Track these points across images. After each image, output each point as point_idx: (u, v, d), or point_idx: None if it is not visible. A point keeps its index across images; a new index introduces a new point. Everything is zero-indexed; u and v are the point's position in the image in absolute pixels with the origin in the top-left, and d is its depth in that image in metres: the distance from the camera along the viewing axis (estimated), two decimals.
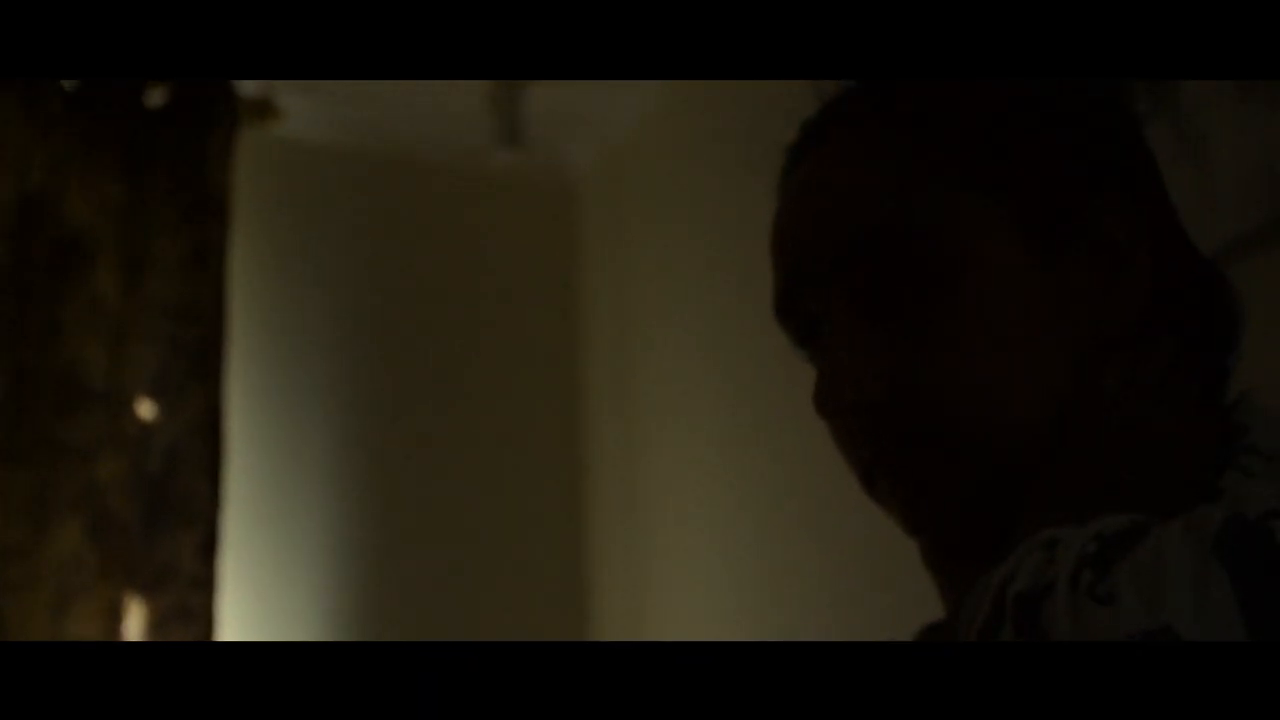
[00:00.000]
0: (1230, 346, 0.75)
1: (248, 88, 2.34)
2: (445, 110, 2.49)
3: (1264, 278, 1.42)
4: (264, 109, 2.34)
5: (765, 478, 2.12)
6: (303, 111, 2.44)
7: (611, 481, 2.50)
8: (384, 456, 2.38)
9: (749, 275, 2.21)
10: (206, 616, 1.98)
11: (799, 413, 2.10)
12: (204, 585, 1.99)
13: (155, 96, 2.23)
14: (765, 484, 2.12)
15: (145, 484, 2.02)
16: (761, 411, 2.15)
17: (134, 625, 1.95)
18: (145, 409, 2.07)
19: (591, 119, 2.55)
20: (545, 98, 2.45)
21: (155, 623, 1.95)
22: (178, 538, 2.00)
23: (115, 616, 1.94)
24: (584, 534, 2.53)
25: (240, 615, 2.19)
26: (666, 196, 2.47)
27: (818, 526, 2.00)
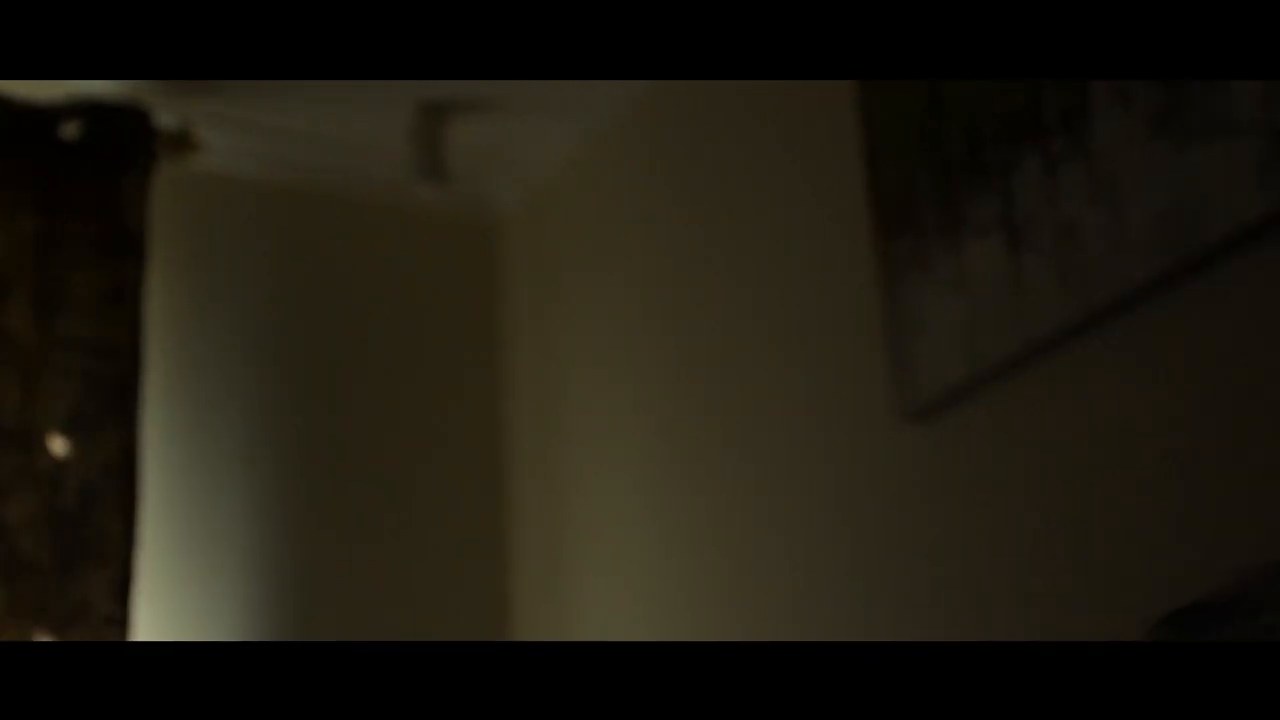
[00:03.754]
0: None
1: (166, 120, 2.32)
2: (367, 145, 2.48)
3: (1175, 318, 1.45)
4: (182, 142, 2.32)
5: (689, 522, 2.13)
6: (222, 145, 2.42)
7: (533, 521, 2.49)
8: (304, 495, 2.36)
9: (673, 313, 2.22)
10: None
11: (722, 455, 2.11)
12: (118, 624, 1.96)
13: (70, 129, 2.20)
14: (688, 528, 2.12)
15: (58, 522, 1.99)
16: (685, 452, 2.15)
17: None
18: (59, 446, 2.04)
19: (516, 155, 2.56)
20: (469, 132, 2.45)
21: None
22: (91, 576, 1.97)
23: None
24: (507, 572, 2.52)
25: None
26: (591, 234, 2.48)
27: (738, 578, 2.01)
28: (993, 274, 1.61)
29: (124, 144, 2.21)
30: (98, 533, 2.00)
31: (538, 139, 2.51)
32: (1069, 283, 1.51)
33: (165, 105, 2.30)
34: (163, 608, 2.19)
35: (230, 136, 2.40)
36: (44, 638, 1.93)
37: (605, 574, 2.29)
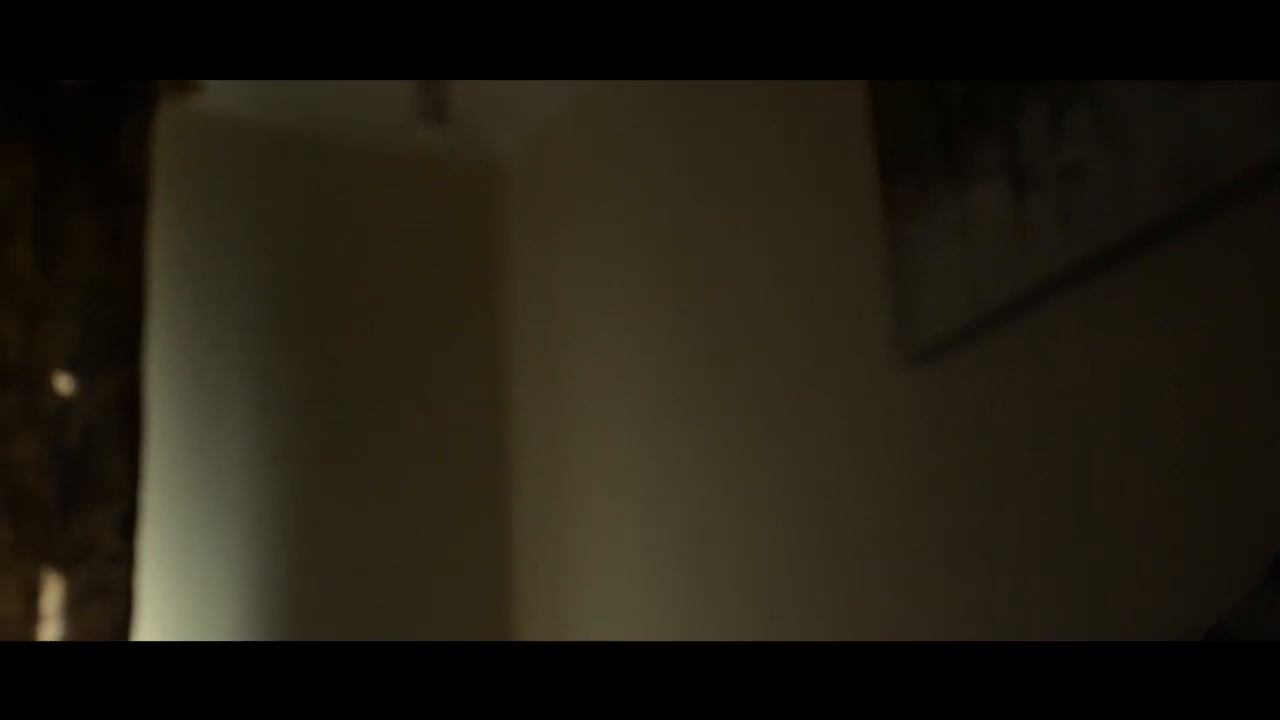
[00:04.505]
0: None
1: None
2: (370, 87, 2.48)
3: (1180, 262, 1.46)
4: (184, 83, 2.32)
5: (691, 467, 2.14)
6: (223, 86, 2.42)
7: (534, 465, 2.50)
8: (305, 433, 2.37)
9: (676, 259, 2.23)
10: (126, 592, 1.96)
11: (725, 400, 2.13)
12: (123, 561, 1.98)
13: None
14: (692, 473, 2.14)
15: (62, 461, 2.00)
16: (687, 398, 2.16)
17: (52, 601, 1.93)
18: (63, 385, 2.05)
19: (519, 98, 2.55)
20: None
21: (74, 599, 1.93)
22: (96, 514, 1.99)
23: (32, 593, 1.92)
24: (506, 515, 2.53)
25: (160, 590, 2.18)
26: (591, 176, 2.48)
27: (742, 524, 2.02)
28: (996, 217, 1.61)
29: (125, 85, 2.21)
30: (102, 470, 2.01)
31: (539, 84, 2.51)
32: (1073, 226, 1.52)
33: None
34: (167, 543, 2.20)
35: (235, 79, 2.40)
36: (50, 575, 1.94)
37: (605, 510, 2.30)
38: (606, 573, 2.28)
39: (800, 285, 1.97)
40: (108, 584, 1.94)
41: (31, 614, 1.91)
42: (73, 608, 1.92)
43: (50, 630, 1.91)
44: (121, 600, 1.94)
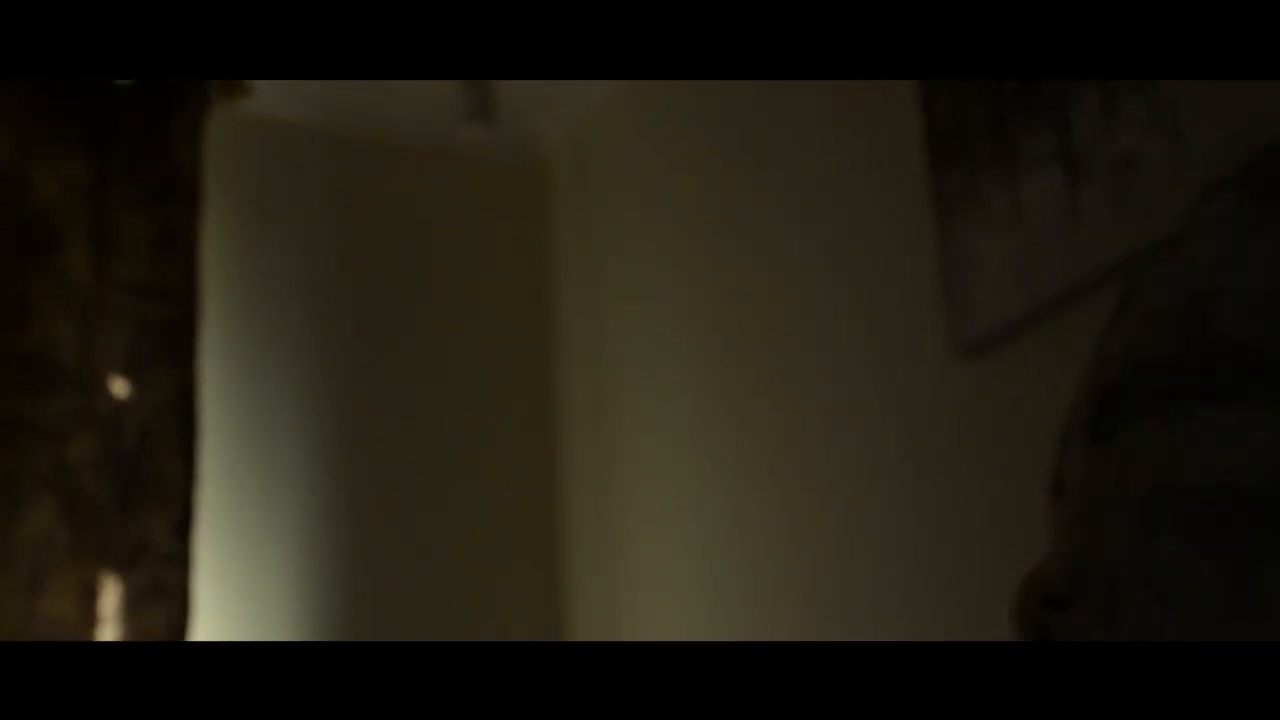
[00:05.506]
0: None
1: None
2: (417, 87, 2.48)
3: None
4: (233, 85, 2.33)
5: (741, 462, 2.13)
6: (273, 88, 2.43)
7: (584, 466, 2.50)
8: (358, 434, 2.38)
9: (721, 255, 2.22)
10: (182, 593, 1.98)
11: (774, 396, 2.11)
12: (179, 562, 1.99)
13: None
14: (742, 470, 2.13)
15: (118, 462, 2.02)
16: (736, 394, 2.16)
17: (109, 603, 1.94)
18: (118, 387, 2.06)
19: (563, 96, 2.55)
20: None
21: (130, 600, 1.94)
22: (152, 515, 2.00)
23: (90, 595, 1.93)
24: (557, 517, 2.53)
25: (216, 592, 2.19)
26: (637, 173, 2.47)
27: (793, 521, 2.01)
28: (1049, 207, 1.60)
29: (175, 89, 2.22)
30: (157, 472, 2.02)
31: (582, 80, 2.50)
32: (1127, 215, 1.50)
33: None
34: (222, 544, 2.22)
35: (281, 80, 2.41)
36: (108, 576, 1.96)
37: (655, 510, 2.30)
38: (657, 573, 2.27)
39: (850, 279, 1.96)
40: (164, 585, 1.96)
41: (89, 616, 1.92)
42: (130, 609, 1.94)
43: (108, 632, 1.93)
44: (178, 602, 1.96)
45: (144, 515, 2.00)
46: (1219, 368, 0.57)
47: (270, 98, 2.44)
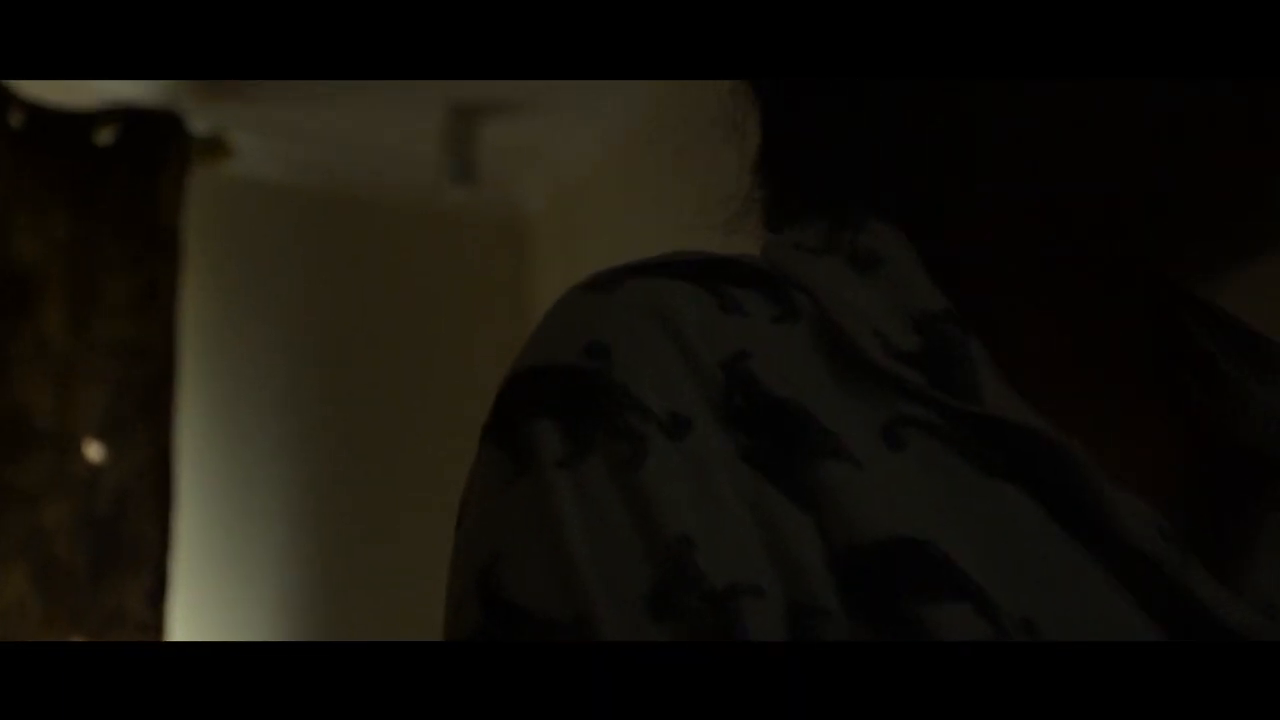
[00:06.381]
0: None
1: (199, 125, 2.33)
2: (398, 147, 2.48)
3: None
4: (215, 146, 2.33)
5: None
6: (254, 149, 2.43)
7: None
8: (336, 496, 2.37)
9: None
10: None
11: None
12: (152, 630, 1.97)
13: (105, 135, 2.21)
14: None
15: (93, 528, 2.00)
16: None
17: None
18: (93, 451, 2.05)
19: (545, 156, 2.55)
20: (499, 133, 2.45)
21: None
22: (125, 582, 1.98)
23: None
24: None
25: None
26: (619, 234, 2.47)
27: None
28: None
29: (158, 148, 2.22)
30: (132, 537, 2.01)
31: (565, 140, 2.51)
32: None
33: (198, 111, 2.31)
34: (197, 612, 2.20)
35: (263, 141, 2.41)
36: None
37: None
38: None
39: None
40: None
41: None
42: None
43: None
44: None
45: (118, 583, 1.98)
46: None
47: (251, 157, 2.44)
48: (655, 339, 0.45)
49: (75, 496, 2.01)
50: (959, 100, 0.52)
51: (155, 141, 2.23)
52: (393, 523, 2.41)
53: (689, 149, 2.42)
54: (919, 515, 0.44)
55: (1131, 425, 0.52)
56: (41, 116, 2.16)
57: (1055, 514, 0.45)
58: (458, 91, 2.33)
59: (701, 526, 0.42)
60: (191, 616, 2.20)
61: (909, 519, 0.43)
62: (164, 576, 2.00)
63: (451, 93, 2.33)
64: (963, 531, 0.44)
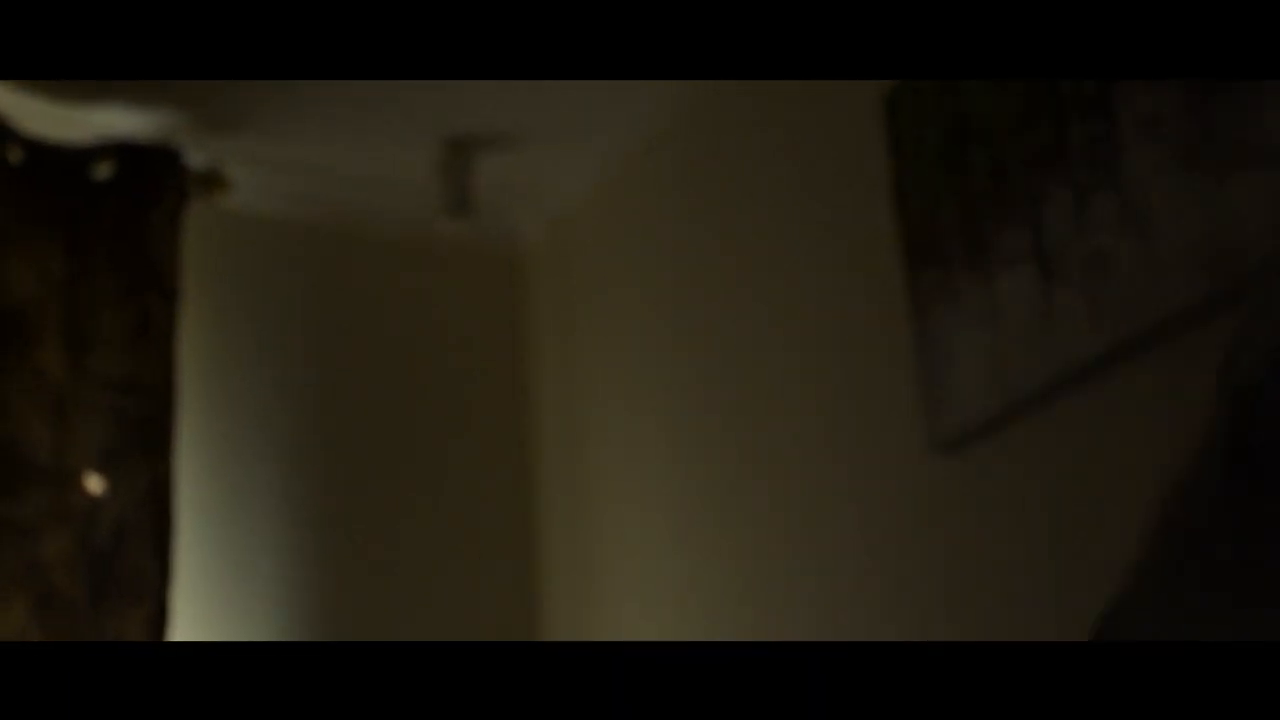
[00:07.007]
0: None
1: (195, 160, 2.34)
2: (394, 181, 2.50)
3: (1209, 348, 1.45)
4: (211, 181, 2.34)
5: (719, 559, 2.13)
6: (250, 184, 2.44)
7: (563, 561, 2.49)
8: (335, 529, 2.37)
9: (698, 346, 2.23)
10: None
11: (750, 488, 2.11)
12: None
13: (101, 170, 2.22)
14: (719, 567, 2.12)
15: (92, 560, 2.00)
16: (712, 485, 2.15)
17: None
18: (92, 484, 2.05)
19: (540, 188, 2.57)
20: (494, 166, 2.46)
21: None
22: (125, 615, 1.98)
23: None
24: (537, 621, 2.51)
25: None
26: (615, 264, 2.48)
27: (771, 614, 2.01)
28: (1023, 305, 1.61)
29: (154, 183, 2.23)
30: (132, 570, 2.01)
31: (561, 172, 2.52)
32: (1100, 313, 1.51)
33: (194, 145, 2.32)
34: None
35: (259, 175, 2.42)
36: None
37: (634, 601, 2.28)
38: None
39: (827, 373, 1.96)
40: None
41: None
42: None
43: None
44: None
45: (118, 614, 1.98)
46: None
47: (248, 191, 2.45)
48: None
49: (74, 529, 2.01)
50: None
51: (152, 176, 2.24)
52: (392, 555, 2.41)
53: (684, 182, 2.43)
54: None
55: None
56: (39, 152, 2.17)
57: None
58: (453, 125, 2.34)
59: None
60: None
61: None
62: (164, 607, 2.00)
63: (447, 126, 2.35)
64: None
